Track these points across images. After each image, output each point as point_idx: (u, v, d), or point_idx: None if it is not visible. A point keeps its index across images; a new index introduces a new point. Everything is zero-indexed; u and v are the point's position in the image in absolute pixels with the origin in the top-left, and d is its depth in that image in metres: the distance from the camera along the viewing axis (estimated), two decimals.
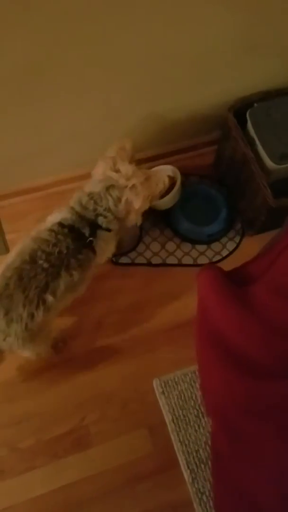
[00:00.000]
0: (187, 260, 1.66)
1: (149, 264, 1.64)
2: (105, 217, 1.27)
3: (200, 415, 1.44)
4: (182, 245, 1.68)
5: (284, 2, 1.30)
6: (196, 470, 1.37)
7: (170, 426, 1.42)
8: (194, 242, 1.68)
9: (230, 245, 1.69)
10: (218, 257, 1.67)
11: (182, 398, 1.45)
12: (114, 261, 1.63)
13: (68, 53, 1.22)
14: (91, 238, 1.25)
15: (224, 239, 1.69)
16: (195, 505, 1.33)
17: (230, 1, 1.23)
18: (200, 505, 1.33)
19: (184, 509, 1.33)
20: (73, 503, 1.32)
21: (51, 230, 1.23)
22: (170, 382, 1.47)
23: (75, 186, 1.73)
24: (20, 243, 1.22)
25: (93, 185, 1.30)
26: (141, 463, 1.37)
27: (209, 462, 1.36)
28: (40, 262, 1.17)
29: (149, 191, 1.29)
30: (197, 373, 1.48)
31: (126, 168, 1.26)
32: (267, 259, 1.11)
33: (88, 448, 1.38)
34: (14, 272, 1.15)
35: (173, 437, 1.40)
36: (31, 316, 1.15)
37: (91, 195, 1.28)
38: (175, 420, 1.42)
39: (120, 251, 1.61)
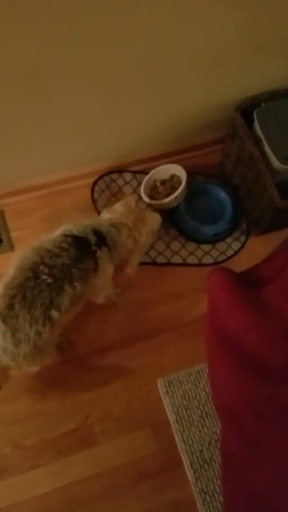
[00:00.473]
0: (192, 259, 1.66)
1: (153, 263, 1.63)
2: (115, 235, 1.33)
3: (204, 415, 1.44)
4: (187, 244, 1.68)
5: None
6: (199, 470, 1.37)
7: (174, 426, 1.42)
8: (199, 241, 1.67)
9: (235, 245, 1.68)
10: (223, 257, 1.66)
11: (186, 398, 1.46)
12: None
13: (72, 52, 1.21)
14: (96, 247, 1.25)
15: (229, 239, 1.69)
16: (198, 505, 1.33)
17: (238, 0, 1.22)
18: (204, 504, 1.33)
19: (187, 509, 1.33)
20: (76, 501, 1.33)
21: (54, 240, 1.23)
22: (174, 382, 1.47)
23: (80, 184, 1.74)
24: (17, 258, 1.20)
25: (106, 219, 1.39)
26: (145, 462, 1.37)
27: (218, 464, 1.36)
28: (44, 277, 1.15)
29: (150, 231, 1.45)
30: (201, 373, 1.48)
31: (131, 213, 1.42)
32: (279, 262, 1.11)
33: (92, 446, 1.38)
34: (17, 291, 1.13)
35: (176, 436, 1.41)
36: (38, 334, 1.14)
37: (107, 221, 1.35)
38: (179, 420, 1.43)
39: None
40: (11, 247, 1.65)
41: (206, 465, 1.38)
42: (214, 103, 1.58)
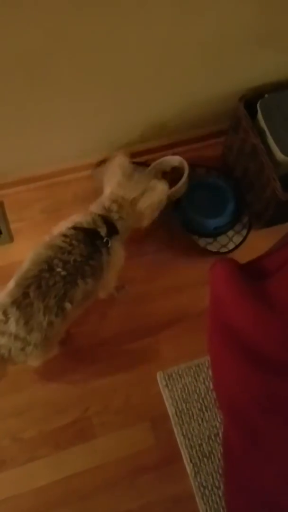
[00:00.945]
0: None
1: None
2: (125, 220, 1.31)
3: (204, 408, 1.43)
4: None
5: None
6: (199, 464, 1.36)
7: (173, 419, 1.41)
8: (200, 234, 1.66)
9: (237, 239, 1.66)
10: (224, 250, 1.65)
11: (186, 391, 1.45)
12: None
13: (74, 40, 1.19)
14: (107, 238, 1.26)
15: (230, 232, 1.67)
16: (197, 499, 1.33)
17: None
18: (203, 498, 1.33)
19: (186, 502, 1.33)
20: (75, 494, 1.32)
21: (65, 235, 1.24)
22: (174, 375, 1.46)
23: (80, 175, 1.72)
24: (32, 253, 1.22)
25: (109, 197, 1.34)
26: (144, 456, 1.37)
27: (218, 458, 1.36)
28: (58, 269, 1.17)
29: (151, 205, 1.35)
30: (201, 366, 1.47)
31: (130, 185, 1.34)
32: (283, 253, 1.09)
33: (90, 439, 1.38)
34: (33, 280, 1.15)
35: (176, 430, 1.40)
36: (51, 324, 1.15)
37: (112, 200, 1.32)
38: (178, 413, 1.42)
39: None
40: (11, 239, 1.63)
41: (205, 459, 1.37)
42: (217, 93, 1.56)
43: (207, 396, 1.45)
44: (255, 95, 1.50)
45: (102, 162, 1.66)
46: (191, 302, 1.57)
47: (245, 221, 1.68)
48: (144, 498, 1.33)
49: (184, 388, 1.45)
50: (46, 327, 1.14)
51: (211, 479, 1.35)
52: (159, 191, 1.37)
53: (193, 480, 1.35)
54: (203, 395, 1.45)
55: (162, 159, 1.66)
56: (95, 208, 1.33)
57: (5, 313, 1.13)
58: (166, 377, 1.46)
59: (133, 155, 1.73)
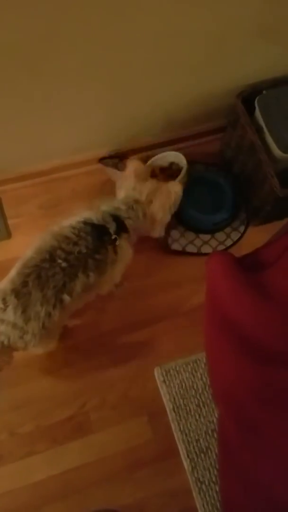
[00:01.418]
0: (190, 248, 1.64)
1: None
2: (134, 221, 1.31)
3: (201, 404, 1.43)
4: (186, 233, 1.66)
5: None
6: (196, 459, 1.37)
7: (170, 415, 1.41)
8: (198, 230, 1.66)
9: (235, 235, 1.67)
10: (221, 247, 1.65)
11: (183, 387, 1.45)
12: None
13: (76, 32, 1.19)
14: (116, 236, 1.26)
15: (228, 229, 1.67)
16: (194, 494, 1.33)
17: None
18: (200, 494, 1.33)
19: (183, 497, 1.33)
20: (72, 488, 1.32)
21: (73, 227, 1.24)
22: (171, 371, 1.47)
23: (78, 172, 1.72)
24: (38, 239, 1.22)
25: (121, 199, 1.35)
26: (141, 451, 1.37)
27: (215, 453, 1.36)
28: (59, 261, 1.17)
29: (164, 205, 1.35)
30: (198, 362, 1.48)
31: (144, 189, 1.34)
32: (281, 244, 1.09)
33: (88, 434, 1.38)
34: (33, 270, 1.16)
35: (173, 426, 1.40)
36: (48, 315, 1.15)
37: (123, 202, 1.32)
38: (175, 409, 1.42)
39: None
40: (9, 235, 1.63)
41: (202, 455, 1.38)
42: (215, 90, 1.56)
43: (205, 392, 1.45)
44: (253, 92, 1.51)
45: (110, 157, 1.68)
46: (189, 298, 1.57)
47: (242, 218, 1.68)
48: (141, 493, 1.33)
49: (182, 384, 1.45)
50: (43, 317, 1.14)
51: (208, 475, 1.35)
52: (173, 193, 1.37)
53: (190, 475, 1.35)
54: (200, 390, 1.45)
55: (160, 154, 1.67)
56: (105, 207, 1.32)
57: (4, 301, 1.14)
58: (164, 373, 1.46)
59: (130, 151, 1.74)
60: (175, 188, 1.38)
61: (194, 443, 1.39)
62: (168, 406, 1.42)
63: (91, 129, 1.58)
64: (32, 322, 1.14)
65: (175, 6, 1.20)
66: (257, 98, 1.48)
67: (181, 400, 1.43)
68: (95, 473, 1.34)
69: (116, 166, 1.67)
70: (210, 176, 1.71)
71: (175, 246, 1.63)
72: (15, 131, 1.47)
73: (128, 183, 1.37)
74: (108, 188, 1.71)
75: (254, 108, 1.48)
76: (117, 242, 1.27)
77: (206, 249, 1.65)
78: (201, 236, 1.66)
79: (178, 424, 1.41)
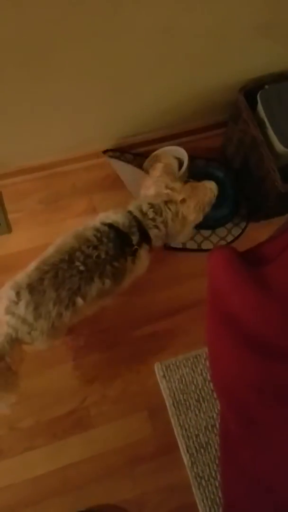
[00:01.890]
0: (191, 245, 1.64)
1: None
2: (160, 230, 1.28)
3: (201, 400, 1.43)
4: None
5: None
6: (195, 455, 1.37)
7: (170, 410, 1.41)
8: (199, 226, 1.65)
9: (235, 231, 1.66)
10: (222, 243, 1.64)
11: (183, 382, 1.45)
12: None
13: (76, 26, 1.18)
14: (137, 247, 1.25)
15: (229, 225, 1.67)
16: (193, 489, 1.33)
17: None
18: (199, 489, 1.33)
19: (183, 493, 1.34)
20: (72, 483, 1.33)
21: (97, 230, 1.22)
22: (171, 366, 1.46)
23: (79, 166, 1.72)
24: (60, 239, 1.22)
25: (150, 199, 1.30)
26: (141, 446, 1.37)
27: (215, 449, 1.36)
28: (77, 263, 1.16)
29: (199, 203, 1.31)
30: (198, 358, 1.48)
31: (177, 185, 1.30)
32: (284, 240, 1.08)
33: (88, 429, 1.38)
34: (51, 268, 1.15)
35: (173, 421, 1.40)
36: (59, 315, 1.15)
37: (151, 205, 1.28)
38: (175, 404, 1.42)
39: None
40: (9, 229, 1.63)
41: (202, 450, 1.38)
42: (217, 84, 1.55)
43: (205, 387, 1.45)
44: (256, 86, 1.50)
45: (119, 152, 1.66)
46: (190, 294, 1.57)
47: (243, 213, 1.68)
48: (141, 488, 1.33)
49: (182, 379, 1.45)
50: (54, 317, 1.14)
51: (207, 470, 1.36)
52: (209, 190, 1.33)
53: (189, 471, 1.35)
54: (200, 386, 1.45)
55: (161, 149, 1.66)
56: (132, 208, 1.29)
57: (18, 295, 1.13)
58: (164, 368, 1.46)
59: (132, 146, 1.73)
60: (211, 185, 1.34)
61: (194, 438, 1.39)
62: (168, 401, 1.42)
63: (92, 124, 1.57)
64: (42, 320, 1.13)
65: (176, 4, 1.19)
66: (260, 92, 1.47)
67: (181, 396, 1.43)
68: (95, 468, 1.34)
69: (120, 159, 1.66)
70: (211, 171, 1.70)
71: (175, 243, 1.63)
72: (15, 126, 1.46)
73: (159, 181, 1.32)
74: (108, 183, 1.71)
75: (256, 102, 1.47)
76: (138, 253, 1.26)
77: (207, 245, 1.64)
78: (202, 232, 1.66)
79: (178, 419, 1.41)
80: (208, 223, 1.64)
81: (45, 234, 1.59)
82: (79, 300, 1.16)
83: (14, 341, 1.15)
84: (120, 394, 1.43)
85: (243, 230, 1.66)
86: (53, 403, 1.40)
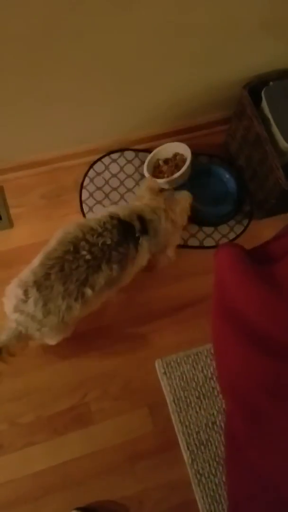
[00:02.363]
0: (193, 242, 1.64)
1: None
2: (157, 223, 1.33)
3: (201, 397, 1.43)
4: (189, 226, 1.65)
5: None
6: (196, 452, 1.37)
7: (171, 407, 1.41)
8: (201, 223, 1.65)
9: (238, 228, 1.66)
10: (224, 240, 1.64)
11: (184, 379, 1.45)
12: None
13: (80, 21, 1.17)
14: (139, 235, 1.27)
15: (231, 222, 1.66)
16: (193, 486, 1.33)
17: None
18: (199, 486, 1.33)
19: (183, 489, 1.34)
20: (72, 479, 1.32)
21: (100, 219, 1.24)
22: (172, 363, 1.46)
23: (81, 162, 1.71)
24: (60, 231, 1.22)
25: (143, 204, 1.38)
26: (141, 442, 1.37)
27: (215, 446, 1.36)
28: (83, 253, 1.17)
29: (182, 209, 1.40)
30: (199, 355, 1.47)
31: (161, 197, 1.38)
32: None
33: (88, 425, 1.38)
34: (56, 261, 1.15)
35: (173, 418, 1.40)
36: (69, 308, 1.15)
37: (146, 205, 1.35)
38: (176, 401, 1.42)
39: None
40: (11, 224, 1.62)
41: (202, 447, 1.38)
42: (221, 80, 1.54)
43: (205, 385, 1.45)
44: (260, 83, 1.49)
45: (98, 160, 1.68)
46: (191, 291, 1.56)
47: (246, 211, 1.67)
48: (141, 484, 1.33)
49: (182, 376, 1.45)
50: (64, 311, 1.15)
51: (207, 467, 1.36)
52: (184, 198, 1.41)
53: (189, 468, 1.35)
54: (201, 383, 1.45)
55: (164, 145, 1.65)
56: (131, 204, 1.35)
57: (25, 293, 1.14)
58: (165, 365, 1.46)
59: (134, 142, 1.72)
60: (185, 195, 1.43)
61: (194, 435, 1.39)
62: (169, 398, 1.42)
63: (95, 119, 1.56)
64: (52, 316, 1.14)
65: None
66: (264, 89, 1.46)
67: (182, 392, 1.43)
68: (95, 464, 1.34)
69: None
70: (214, 168, 1.69)
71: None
72: (18, 121, 1.46)
73: (143, 197, 1.40)
74: None
75: (261, 99, 1.46)
76: (140, 241, 1.27)
77: (209, 242, 1.63)
78: (204, 229, 1.65)
79: (179, 416, 1.40)
80: (210, 220, 1.64)
81: (47, 229, 1.55)
82: (88, 291, 1.17)
83: (23, 337, 1.16)
84: (121, 391, 1.42)
85: (246, 227, 1.65)
86: (53, 399, 1.40)
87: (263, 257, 1.09)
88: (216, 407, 1.42)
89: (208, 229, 1.66)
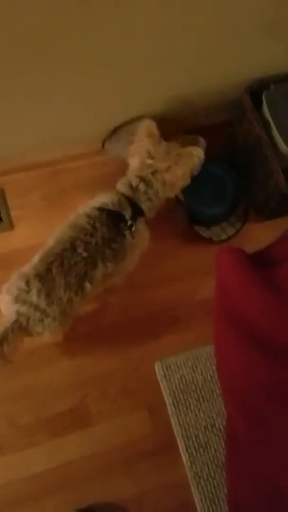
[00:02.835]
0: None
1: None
2: (152, 201, 1.31)
3: (201, 399, 1.43)
4: None
5: None
6: (194, 454, 1.37)
7: (170, 409, 1.41)
8: (193, 221, 1.65)
9: (230, 230, 1.65)
10: (216, 239, 1.64)
11: (183, 382, 1.45)
12: None
13: (81, 15, 1.16)
14: (132, 222, 1.27)
15: (224, 224, 1.66)
16: (192, 488, 1.34)
17: None
18: (198, 488, 1.33)
19: (182, 491, 1.34)
20: (71, 481, 1.33)
21: (89, 216, 1.25)
22: (172, 365, 1.46)
23: (82, 164, 1.71)
24: (58, 230, 1.25)
25: (137, 172, 1.32)
26: (141, 444, 1.37)
27: (214, 449, 1.36)
28: (80, 250, 1.19)
29: (186, 171, 1.32)
30: (199, 357, 1.47)
31: (161, 152, 1.30)
32: None
33: (88, 427, 1.38)
34: (55, 258, 1.18)
35: (173, 420, 1.40)
36: (70, 301, 1.18)
37: (140, 178, 1.31)
38: (175, 404, 1.42)
39: None
40: (11, 226, 1.62)
41: (201, 449, 1.38)
42: (222, 83, 1.54)
43: (205, 387, 1.45)
44: (261, 86, 1.49)
45: (113, 132, 1.62)
46: (192, 292, 1.57)
47: (240, 214, 1.67)
48: (140, 485, 1.33)
49: (182, 379, 1.45)
50: (65, 303, 1.17)
51: (206, 469, 1.36)
52: (194, 157, 1.32)
53: (188, 470, 1.36)
54: (200, 385, 1.45)
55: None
56: (122, 187, 1.32)
57: (27, 284, 1.15)
58: (164, 368, 1.46)
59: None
60: (197, 152, 1.32)
61: (193, 438, 1.39)
62: (168, 401, 1.42)
63: (96, 120, 1.57)
64: (54, 306, 1.16)
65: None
66: (265, 92, 1.46)
67: (181, 395, 1.43)
68: (94, 466, 1.34)
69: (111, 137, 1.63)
70: (212, 169, 1.69)
71: None
72: (18, 120, 1.45)
73: (142, 148, 1.31)
74: (112, 181, 1.70)
75: (262, 102, 1.47)
76: (133, 228, 1.27)
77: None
78: (196, 227, 1.65)
79: (178, 418, 1.41)
80: (202, 219, 1.64)
81: (48, 230, 1.55)
82: (87, 285, 1.20)
83: (21, 330, 1.16)
84: (121, 393, 1.43)
85: (238, 231, 1.64)
86: (53, 400, 1.40)
87: (264, 261, 1.10)
88: (216, 410, 1.42)
89: (200, 229, 1.65)
